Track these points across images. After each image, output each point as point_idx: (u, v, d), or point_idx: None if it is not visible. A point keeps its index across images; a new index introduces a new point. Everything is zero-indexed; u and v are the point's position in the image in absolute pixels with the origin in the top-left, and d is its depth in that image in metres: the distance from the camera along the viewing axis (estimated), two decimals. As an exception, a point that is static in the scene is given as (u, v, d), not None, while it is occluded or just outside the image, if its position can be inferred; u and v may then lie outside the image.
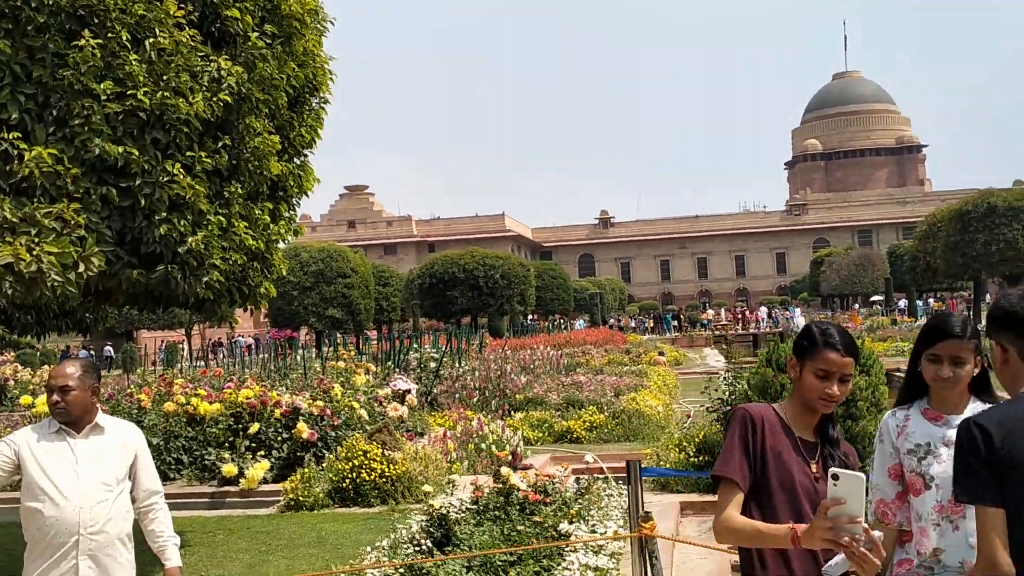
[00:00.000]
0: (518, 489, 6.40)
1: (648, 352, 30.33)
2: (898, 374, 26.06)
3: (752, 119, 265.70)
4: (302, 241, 48.82)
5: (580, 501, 6.42)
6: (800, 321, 58.22)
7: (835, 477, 2.40)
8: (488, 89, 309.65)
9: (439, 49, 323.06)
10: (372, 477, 8.39)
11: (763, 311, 61.75)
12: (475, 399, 15.11)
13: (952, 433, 2.65)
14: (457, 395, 15.29)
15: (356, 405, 10.76)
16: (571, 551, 5.51)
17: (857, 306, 59.06)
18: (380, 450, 8.56)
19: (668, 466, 8.80)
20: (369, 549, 6.03)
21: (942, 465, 2.90)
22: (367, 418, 10.68)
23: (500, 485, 6.81)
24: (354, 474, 8.46)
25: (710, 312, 66.73)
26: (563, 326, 48.34)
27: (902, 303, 59.73)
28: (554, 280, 64.35)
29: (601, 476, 11.39)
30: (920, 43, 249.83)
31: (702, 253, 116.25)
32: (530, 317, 62.90)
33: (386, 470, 8.41)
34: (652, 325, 61.65)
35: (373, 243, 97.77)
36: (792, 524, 2.54)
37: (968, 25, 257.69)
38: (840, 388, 2.72)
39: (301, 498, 8.55)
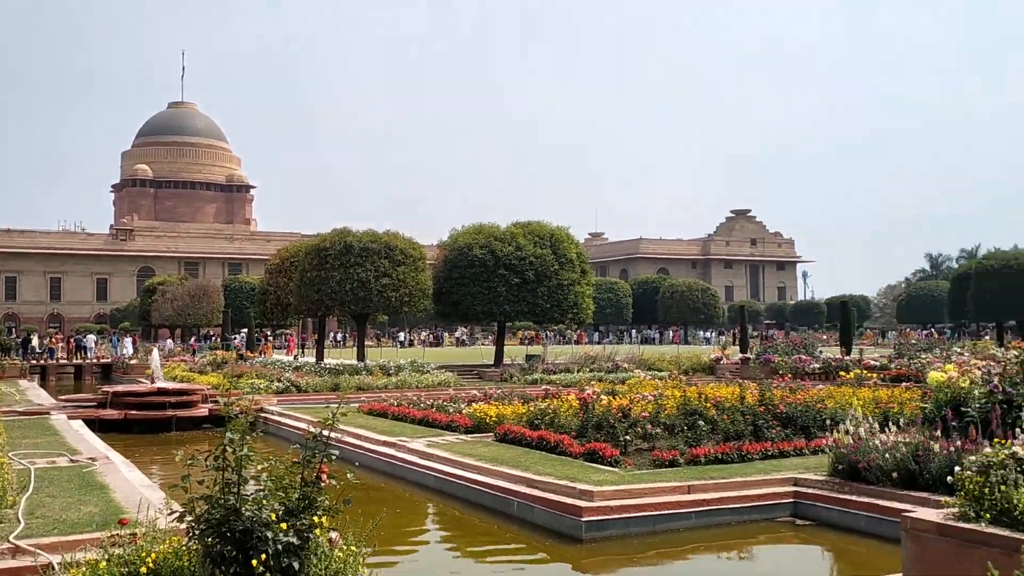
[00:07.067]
0: None
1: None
2: (274, 419, 22.87)
3: (82, 133, 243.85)
4: None
5: None
6: (129, 351, 53.67)
7: None
8: None
9: None
10: None
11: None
12: None
13: None
14: None
15: None
16: None
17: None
18: None
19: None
20: None
21: None
22: None
23: None
24: None
25: (43, 340, 58.39)
26: None
27: (237, 338, 59.04)
28: None
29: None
30: (257, 89, 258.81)
31: (12, 272, 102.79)
32: None
33: None
34: None
35: None
36: None
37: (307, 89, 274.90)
38: None
39: None
